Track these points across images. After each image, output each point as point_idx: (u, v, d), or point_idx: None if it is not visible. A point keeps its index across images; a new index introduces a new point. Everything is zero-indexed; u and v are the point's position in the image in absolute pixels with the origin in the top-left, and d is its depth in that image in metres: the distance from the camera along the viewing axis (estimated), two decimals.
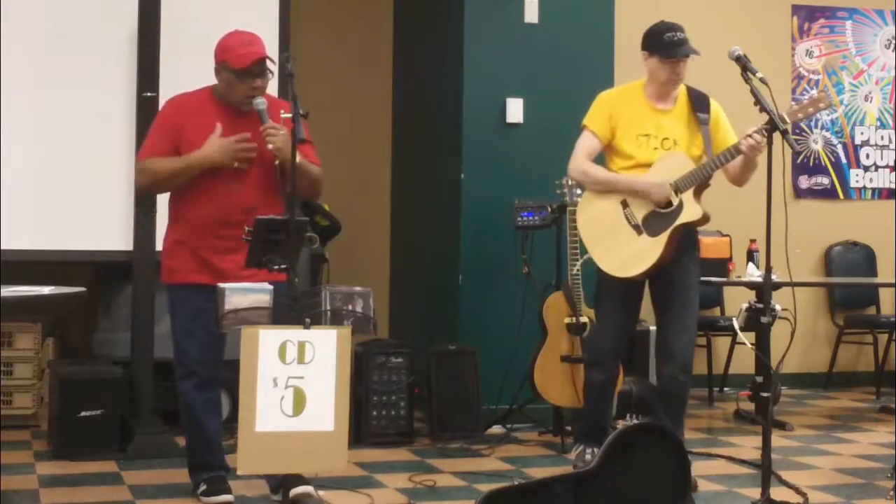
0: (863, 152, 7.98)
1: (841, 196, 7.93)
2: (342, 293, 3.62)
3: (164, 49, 5.30)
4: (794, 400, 7.24)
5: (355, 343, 5.33)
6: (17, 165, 5.31)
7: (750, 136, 4.42)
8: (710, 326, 7.08)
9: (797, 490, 4.57)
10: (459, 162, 6.12)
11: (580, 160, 4.77)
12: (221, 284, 3.55)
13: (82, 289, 3.85)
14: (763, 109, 4.18)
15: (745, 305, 4.66)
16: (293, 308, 3.51)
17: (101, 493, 4.52)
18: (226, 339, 4.18)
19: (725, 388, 7.34)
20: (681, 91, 4.76)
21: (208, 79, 4.34)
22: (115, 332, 5.71)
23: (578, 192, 5.53)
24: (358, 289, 3.66)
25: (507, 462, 5.20)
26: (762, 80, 4.24)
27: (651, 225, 4.64)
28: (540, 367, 5.59)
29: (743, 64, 4.31)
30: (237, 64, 4.17)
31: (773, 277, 4.55)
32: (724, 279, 6.36)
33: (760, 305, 4.21)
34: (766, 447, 4.13)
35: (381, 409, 5.58)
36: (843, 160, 7.94)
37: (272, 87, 4.57)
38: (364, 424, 5.53)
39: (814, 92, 6.53)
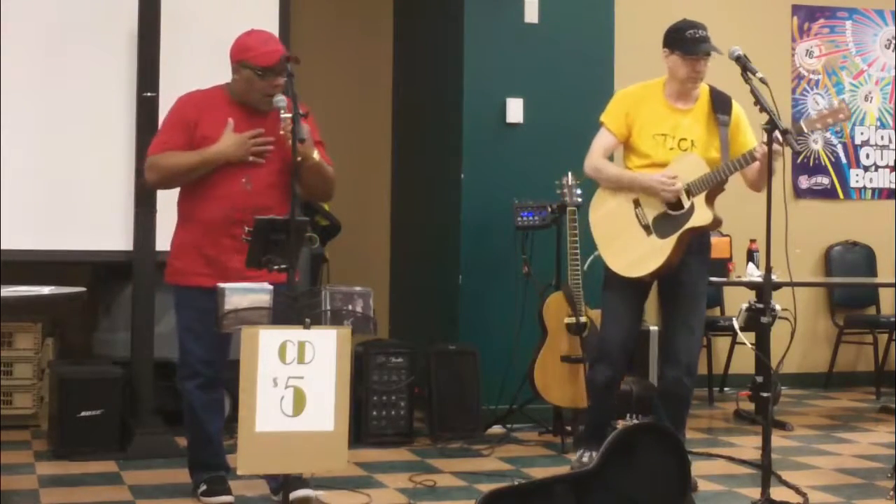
0: (863, 152, 7.98)
1: (841, 196, 7.93)
2: (342, 293, 3.62)
3: (164, 49, 5.29)
4: (794, 400, 7.24)
5: (355, 343, 5.33)
6: (17, 165, 5.31)
7: (765, 143, 4.32)
8: (711, 326, 7.06)
9: (797, 490, 4.56)
10: (459, 162, 6.11)
11: (594, 157, 4.75)
12: (221, 284, 3.56)
13: (82, 289, 3.86)
14: (763, 109, 4.17)
15: (745, 305, 4.66)
16: (293, 308, 3.51)
17: (100, 493, 4.52)
18: (230, 340, 4.17)
19: (725, 388, 7.34)
20: (703, 91, 4.68)
21: (208, 79, 4.34)
22: (115, 332, 5.71)
23: (578, 192, 5.53)
24: (358, 289, 3.66)
25: (507, 462, 5.20)
26: (762, 80, 4.23)
27: (661, 226, 4.61)
28: (540, 367, 5.58)
29: (743, 64, 4.30)
30: (261, 62, 4.16)
31: (773, 277, 4.55)
32: (724, 279, 6.36)
33: (760, 305, 4.21)
34: (766, 447, 4.13)
35: (381, 409, 5.58)
36: (843, 160, 7.94)
37: None
38: (364, 424, 5.53)
39: (835, 102, 6.44)
